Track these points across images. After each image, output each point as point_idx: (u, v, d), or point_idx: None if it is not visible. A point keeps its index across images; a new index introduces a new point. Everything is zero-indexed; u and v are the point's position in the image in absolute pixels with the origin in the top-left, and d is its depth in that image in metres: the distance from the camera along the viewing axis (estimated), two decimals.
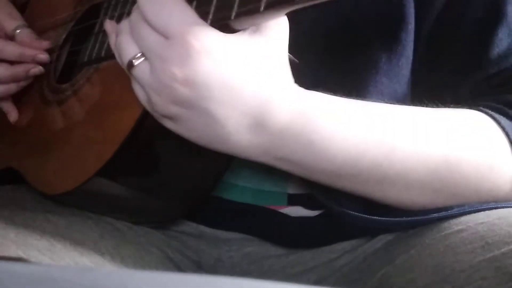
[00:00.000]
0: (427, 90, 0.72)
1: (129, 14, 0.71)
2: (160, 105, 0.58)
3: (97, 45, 0.76)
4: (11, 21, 0.84)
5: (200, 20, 0.56)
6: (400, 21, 0.70)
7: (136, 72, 0.59)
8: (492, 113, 0.68)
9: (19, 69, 0.83)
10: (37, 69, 0.83)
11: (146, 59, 0.58)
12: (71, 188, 0.69)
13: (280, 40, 0.59)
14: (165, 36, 0.56)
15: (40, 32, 0.89)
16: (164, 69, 0.56)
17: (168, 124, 0.60)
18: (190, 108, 0.57)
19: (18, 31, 0.84)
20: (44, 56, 0.83)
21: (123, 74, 0.61)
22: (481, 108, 0.69)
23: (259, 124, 0.58)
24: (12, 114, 0.87)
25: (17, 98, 0.88)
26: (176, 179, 0.71)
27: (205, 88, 0.56)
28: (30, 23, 0.87)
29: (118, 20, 0.73)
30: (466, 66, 0.72)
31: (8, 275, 0.35)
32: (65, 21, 0.88)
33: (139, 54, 0.58)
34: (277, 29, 0.58)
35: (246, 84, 0.57)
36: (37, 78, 0.86)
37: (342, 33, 0.71)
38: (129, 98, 0.62)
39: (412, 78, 0.73)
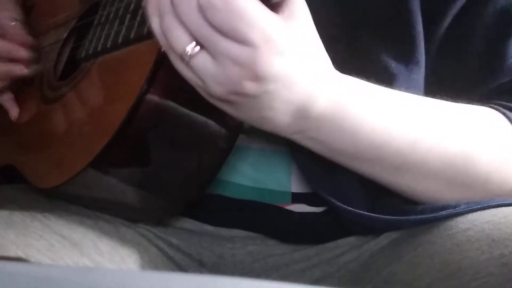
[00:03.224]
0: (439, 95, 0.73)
1: (126, 7, 0.71)
2: (220, 94, 0.58)
3: (94, 40, 0.76)
4: (6, 13, 0.85)
5: (269, 17, 0.56)
6: (408, 27, 0.71)
7: (194, 62, 0.57)
8: (504, 110, 0.71)
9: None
10: (18, 68, 0.84)
11: (202, 48, 0.57)
12: (63, 181, 0.69)
13: (312, 23, 0.61)
14: (235, 37, 0.55)
15: (43, 32, 0.90)
16: (236, 70, 0.56)
17: (219, 104, 0.61)
18: (250, 99, 0.59)
19: (12, 23, 0.84)
20: (23, 53, 0.83)
21: (117, 68, 0.61)
22: (492, 105, 0.71)
23: (301, 111, 0.62)
24: (13, 112, 0.88)
25: (18, 96, 0.88)
26: (170, 173, 0.70)
27: (272, 85, 0.58)
28: (35, 24, 0.88)
29: (115, 14, 0.73)
30: (478, 77, 0.74)
31: (7, 276, 0.35)
32: (68, 20, 0.89)
33: (194, 43, 0.57)
34: (306, 13, 0.60)
35: (301, 79, 0.60)
36: (38, 76, 0.86)
37: (348, 40, 0.72)
38: (122, 91, 0.62)
39: (425, 85, 0.75)
